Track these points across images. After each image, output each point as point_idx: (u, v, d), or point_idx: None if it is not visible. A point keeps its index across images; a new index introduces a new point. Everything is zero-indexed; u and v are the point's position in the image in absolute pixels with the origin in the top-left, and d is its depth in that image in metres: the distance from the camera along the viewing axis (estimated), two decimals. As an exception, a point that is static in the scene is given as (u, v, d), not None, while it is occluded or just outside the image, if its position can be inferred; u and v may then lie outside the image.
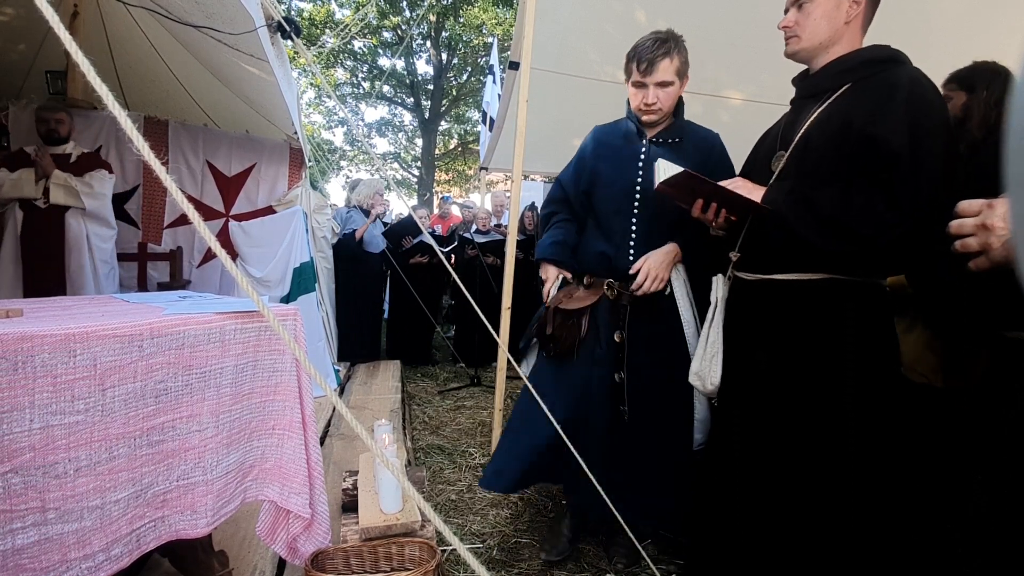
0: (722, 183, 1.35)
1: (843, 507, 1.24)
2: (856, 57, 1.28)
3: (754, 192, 1.33)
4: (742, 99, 4.21)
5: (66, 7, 3.33)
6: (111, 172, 3.16)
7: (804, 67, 1.42)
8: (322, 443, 2.74)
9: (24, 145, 3.32)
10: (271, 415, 1.39)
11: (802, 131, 1.32)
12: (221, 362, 1.26)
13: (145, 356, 1.13)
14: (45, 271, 2.90)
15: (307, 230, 3.78)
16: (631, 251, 1.78)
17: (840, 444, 1.25)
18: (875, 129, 1.17)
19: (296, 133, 3.81)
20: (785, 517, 1.31)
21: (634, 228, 1.80)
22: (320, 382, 0.76)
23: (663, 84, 1.73)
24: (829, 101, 1.29)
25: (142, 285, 3.59)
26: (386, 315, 5.88)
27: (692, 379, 1.55)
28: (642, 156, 1.82)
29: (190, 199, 4.08)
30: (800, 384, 1.29)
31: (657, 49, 1.70)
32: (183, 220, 4.09)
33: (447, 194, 13.55)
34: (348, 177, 16.67)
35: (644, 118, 1.81)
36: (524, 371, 2.08)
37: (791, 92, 1.48)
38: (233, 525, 1.79)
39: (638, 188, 1.81)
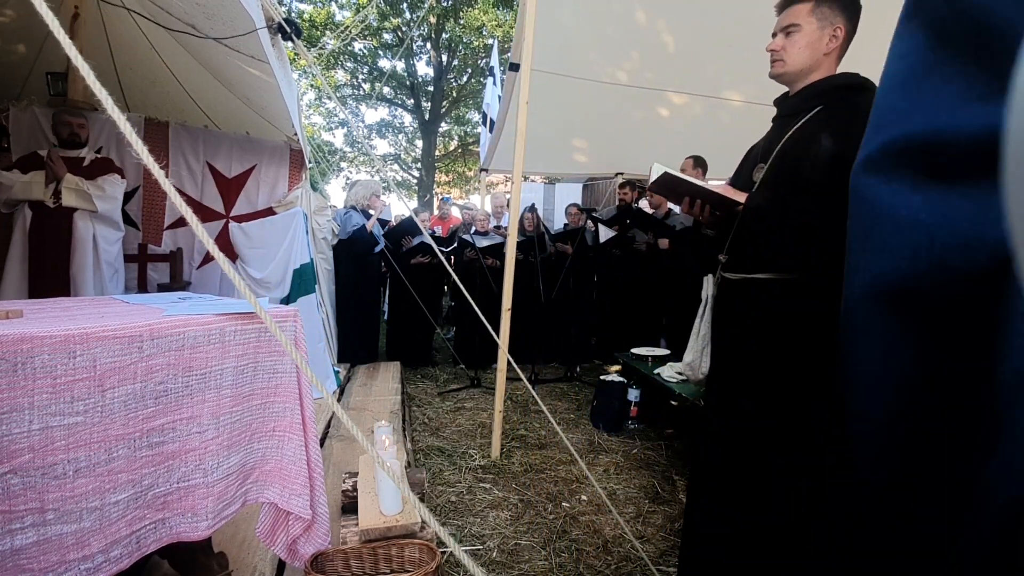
0: (701, 183, 1.45)
1: (838, 501, 1.27)
2: (828, 83, 1.40)
3: (735, 195, 1.44)
4: (742, 101, 4.21)
5: (67, 9, 3.33)
6: (123, 177, 3.18)
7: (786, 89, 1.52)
8: (322, 444, 2.73)
9: (26, 146, 3.33)
10: (271, 417, 1.39)
11: (779, 147, 1.45)
12: (221, 363, 1.26)
13: (145, 357, 1.13)
14: (50, 270, 2.90)
15: (307, 231, 3.78)
16: None
17: (832, 442, 1.29)
18: (844, 147, 1.29)
19: (296, 134, 3.81)
20: (776, 505, 1.38)
21: None
22: (318, 385, 0.76)
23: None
24: (804, 121, 1.41)
25: (142, 286, 3.59)
26: (386, 316, 5.88)
27: (683, 368, 1.66)
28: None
29: (190, 200, 4.09)
30: (791, 378, 1.38)
31: None
32: (183, 221, 4.09)
33: (447, 195, 13.56)
34: (348, 179, 16.68)
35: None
36: None
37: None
38: (233, 527, 1.78)
39: None
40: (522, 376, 2.17)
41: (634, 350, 3.53)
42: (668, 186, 1.49)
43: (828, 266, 1.33)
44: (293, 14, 12.92)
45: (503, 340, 2.56)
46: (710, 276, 1.63)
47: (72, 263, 2.94)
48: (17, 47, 3.63)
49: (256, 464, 1.38)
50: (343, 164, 16.66)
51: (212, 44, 2.85)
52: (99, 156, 3.17)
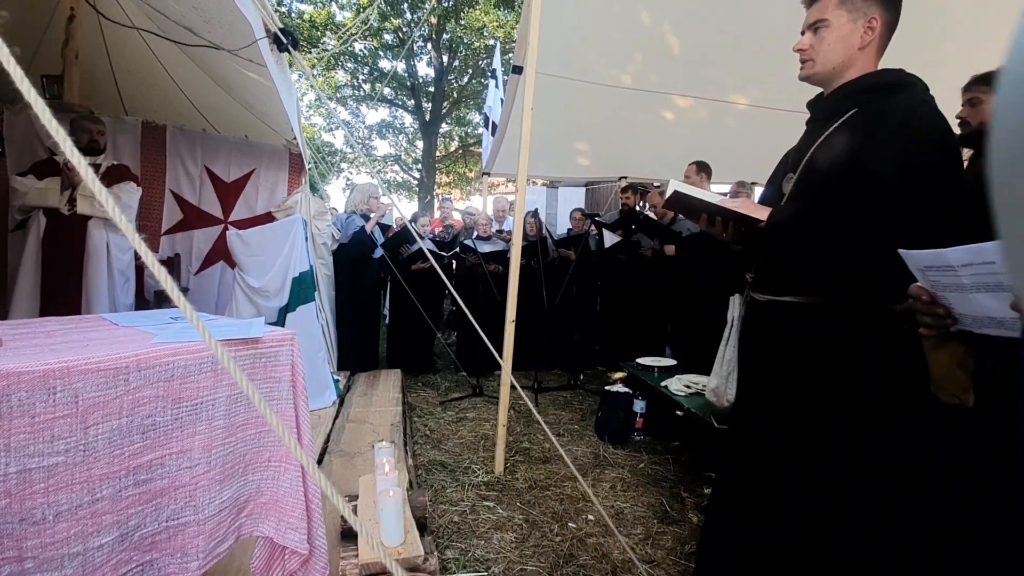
0: (714, 200, 1.36)
1: (857, 515, 1.24)
2: (862, 82, 1.28)
3: (757, 211, 1.34)
4: (749, 104, 4.14)
5: (62, 10, 3.27)
6: (139, 184, 3.14)
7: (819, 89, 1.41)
8: (320, 461, 2.66)
9: (20, 150, 3.27)
10: (267, 446, 1.32)
11: (809, 154, 1.34)
12: (214, 393, 1.19)
13: (131, 390, 1.06)
14: (64, 278, 2.86)
15: (307, 238, 3.71)
16: None
17: (852, 456, 1.26)
18: (867, 157, 1.20)
19: (296, 138, 3.74)
20: (791, 523, 1.33)
21: None
22: (285, 437, 0.69)
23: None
24: (835, 126, 1.31)
25: (139, 293, 3.52)
26: (387, 321, 5.81)
27: (708, 396, 1.59)
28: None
29: (189, 205, 4.01)
30: (812, 396, 1.31)
31: None
32: (181, 227, 4.03)
33: (447, 196, 13.48)
34: (349, 179, 16.62)
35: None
36: None
37: (800, 97, 1.48)
38: (227, 556, 1.71)
39: None
40: (524, 395, 2.10)
41: (640, 360, 3.46)
42: (681, 204, 1.41)
43: (850, 281, 1.26)
44: (293, 14, 12.85)
45: (506, 357, 2.49)
46: (737, 296, 1.54)
47: (86, 271, 2.91)
48: (11, 50, 3.56)
49: (251, 496, 1.31)
50: (343, 165, 16.58)
51: (210, 48, 2.78)
52: (115, 164, 3.12)
